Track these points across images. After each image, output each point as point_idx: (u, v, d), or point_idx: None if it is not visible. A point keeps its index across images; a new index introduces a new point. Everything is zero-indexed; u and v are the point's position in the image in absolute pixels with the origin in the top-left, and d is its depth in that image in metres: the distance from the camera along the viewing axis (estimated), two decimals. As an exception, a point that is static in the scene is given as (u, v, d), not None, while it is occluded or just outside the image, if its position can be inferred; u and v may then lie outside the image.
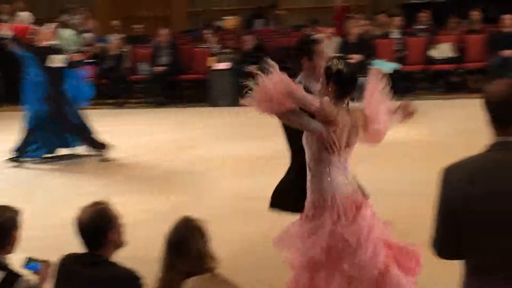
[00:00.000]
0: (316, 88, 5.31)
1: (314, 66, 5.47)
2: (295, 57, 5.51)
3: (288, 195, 5.70)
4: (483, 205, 3.14)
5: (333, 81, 4.98)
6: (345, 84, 5.00)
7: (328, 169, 5.00)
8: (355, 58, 15.72)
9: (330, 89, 4.96)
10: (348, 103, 5.02)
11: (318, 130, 4.88)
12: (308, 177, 5.09)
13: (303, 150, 5.13)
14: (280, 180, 5.92)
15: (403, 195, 8.55)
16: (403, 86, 15.96)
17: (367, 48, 16.16)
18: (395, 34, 16.84)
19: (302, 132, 5.07)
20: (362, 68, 15.92)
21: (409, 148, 11.05)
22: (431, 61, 16.10)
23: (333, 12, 19.96)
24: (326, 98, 4.95)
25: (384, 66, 15.90)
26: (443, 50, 16.03)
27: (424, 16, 17.33)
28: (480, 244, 3.16)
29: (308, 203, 5.11)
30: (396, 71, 15.82)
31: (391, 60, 16.04)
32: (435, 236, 3.32)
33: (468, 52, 16.15)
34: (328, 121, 4.87)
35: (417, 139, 11.59)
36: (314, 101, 4.87)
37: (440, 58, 16.09)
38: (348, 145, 5.03)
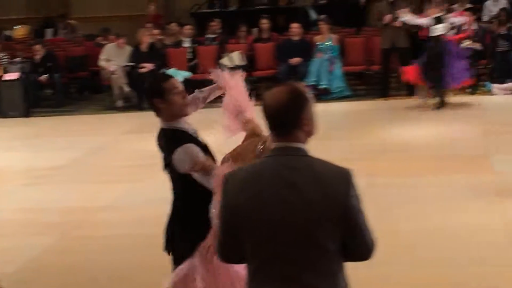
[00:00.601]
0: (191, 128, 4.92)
1: (170, 105, 4.81)
2: (149, 102, 4.90)
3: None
4: (254, 211, 3.16)
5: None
6: None
7: None
8: (147, 67, 15.76)
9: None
10: None
11: None
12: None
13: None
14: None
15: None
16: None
17: (159, 57, 16.22)
18: (187, 43, 16.99)
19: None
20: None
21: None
22: (223, 69, 16.32)
23: (127, 21, 19.92)
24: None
25: (176, 75, 16.04)
26: (233, 58, 16.33)
27: (214, 25, 17.57)
28: (254, 249, 3.20)
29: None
30: (187, 80, 15.98)
31: (183, 68, 16.19)
32: (218, 243, 3.33)
33: (257, 60, 16.53)
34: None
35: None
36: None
37: (231, 66, 16.37)
38: None
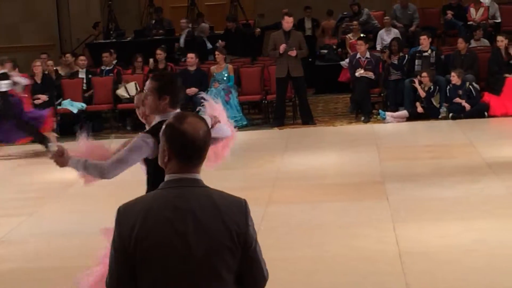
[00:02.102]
0: None
1: None
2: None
3: None
4: (151, 245, 3.12)
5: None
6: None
7: None
8: (42, 98, 15.48)
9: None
10: None
11: None
12: None
13: None
14: None
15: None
16: (91, 125, 15.95)
17: (53, 88, 15.98)
18: (82, 73, 16.79)
19: None
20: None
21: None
22: (119, 100, 16.18)
23: (22, 52, 19.63)
24: None
25: (71, 106, 15.82)
26: (130, 89, 16.19)
27: (107, 56, 17.39)
28: (152, 282, 3.15)
29: None
30: (83, 111, 15.79)
31: (79, 100, 15.99)
32: (109, 277, 3.24)
33: (154, 90, 16.41)
34: None
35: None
36: None
37: (128, 97, 16.22)
38: None
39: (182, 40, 19.08)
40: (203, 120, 3.27)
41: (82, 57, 17.33)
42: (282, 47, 14.97)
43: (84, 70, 16.86)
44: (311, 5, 20.68)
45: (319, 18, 20.77)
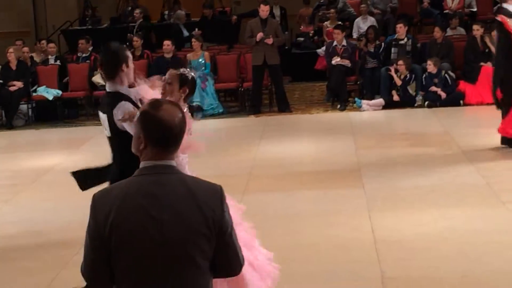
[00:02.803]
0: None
1: (130, 71, 5.78)
2: (112, 66, 5.73)
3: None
4: (127, 230, 3.11)
5: (189, 87, 5.89)
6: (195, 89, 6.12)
7: None
8: (17, 85, 15.40)
9: (183, 93, 5.82)
10: None
11: None
12: None
13: None
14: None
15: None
16: (67, 112, 15.90)
17: (29, 75, 15.88)
18: (52, 60, 16.70)
19: None
20: (24, 95, 15.65)
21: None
22: (95, 87, 16.12)
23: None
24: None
25: (46, 93, 15.73)
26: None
27: (83, 42, 17.30)
28: (126, 270, 3.14)
29: None
30: (58, 98, 15.69)
31: (54, 87, 15.89)
32: (84, 264, 3.23)
33: (130, 77, 16.34)
34: None
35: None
36: None
37: (103, 84, 16.15)
38: None
39: (134, 31, 18.93)
40: (178, 106, 3.27)
41: (51, 45, 17.29)
42: (259, 36, 14.96)
43: (54, 57, 16.79)
44: (288, -7, 20.68)
45: (295, 6, 20.73)
